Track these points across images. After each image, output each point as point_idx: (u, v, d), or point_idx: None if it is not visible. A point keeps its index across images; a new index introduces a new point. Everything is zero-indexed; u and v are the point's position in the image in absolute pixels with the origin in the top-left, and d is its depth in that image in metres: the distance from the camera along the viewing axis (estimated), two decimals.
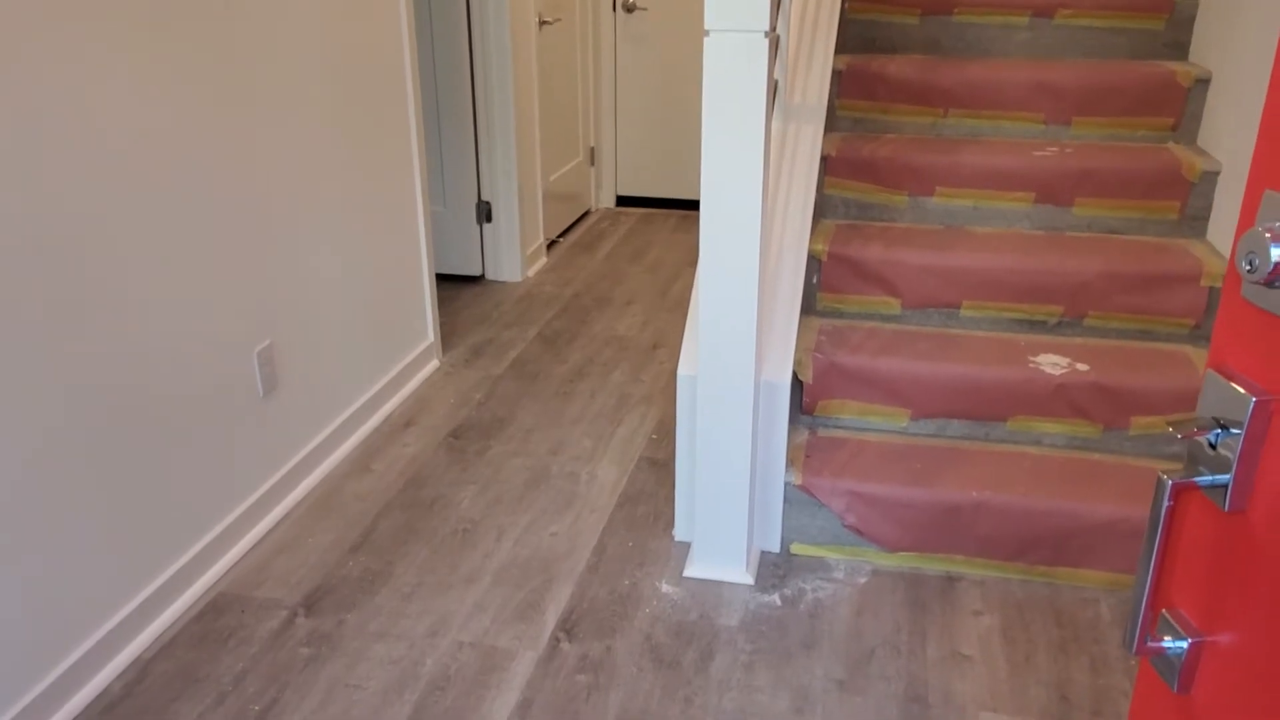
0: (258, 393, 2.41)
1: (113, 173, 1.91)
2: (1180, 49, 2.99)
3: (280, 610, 2.19)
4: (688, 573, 2.32)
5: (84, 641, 1.95)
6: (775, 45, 2.14)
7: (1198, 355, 2.45)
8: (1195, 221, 2.69)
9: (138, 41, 1.94)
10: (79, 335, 1.86)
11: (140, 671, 2.01)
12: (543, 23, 4.21)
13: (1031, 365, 2.41)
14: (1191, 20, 2.95)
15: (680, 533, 2.46)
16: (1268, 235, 0.71)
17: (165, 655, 2.05)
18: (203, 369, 2.21)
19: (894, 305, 2.65)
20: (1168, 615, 0.86)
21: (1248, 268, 0.73)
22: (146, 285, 2.02)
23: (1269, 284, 0.73)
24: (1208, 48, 2.84)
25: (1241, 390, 0.76)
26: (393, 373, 3.10)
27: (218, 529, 2.30)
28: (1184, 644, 0.84)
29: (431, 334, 3.35)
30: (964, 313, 2.62)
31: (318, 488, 2.66)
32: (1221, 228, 2.62)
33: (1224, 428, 0.77)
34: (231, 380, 2.32)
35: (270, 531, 2.47)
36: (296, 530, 2.48)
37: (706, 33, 1.91)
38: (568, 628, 2.14)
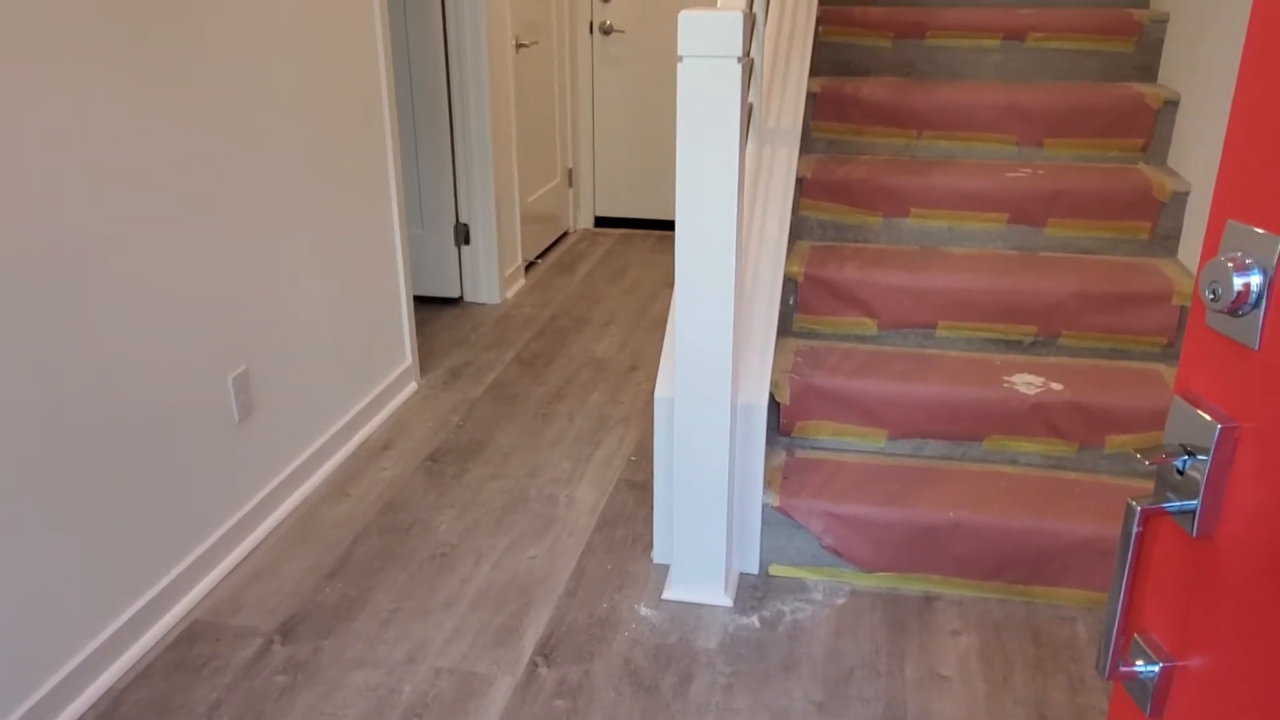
0: (233, 418, 2.39)
1: (85, 196, 1.90)
2: (1149, 71, 3.03)
3: (256, 638, 2.16)
4: (666, 595, 2.31)
5: (56, 672, 1.92)
6: (749, 69, 2.16)
7: (1170, 373, 2.48)
8: (1166, 241, 2.73)
9: (116, 63, 1.93)
10: (52, 358, 1.84)
11: (113, 702, 1.98)
12: (520, 45, 4.23)
13: (1007, 385, 2.43)
14: (1160, 43, 3.00)
15: (659, 555, 2.45)
16: (1230, 264, 0.72)
17: (139, 685, 2.03)
18: (177, 395, 2.20)
19: (870, 326, 2.67)
20: (1139, 640, 0.86)
21: (1211, 297, 0.74)
22: (119, 310, 2.01)
23: (1232, 312, 0.74)
24: (1176, 70, 2.88)
25: (1207, 417, 0.76)
26: (370, 396, 3.08)
27: (192, 556, 2.28)
28: (1155, 668, 0.84)
29: (409, 357, 3.34)
30: (940, 333, 2.64)
31: (294, 513, 2.64)
32: (1192, 247, 2.65)
33: (1191, 454, 0.78)
34: (206, 406, 2.30)
35: (246, 558, 2.45)
36: (272, 556, 2.46)
37: (680, 58, 1.92)
38: (546, 652, 2.13)
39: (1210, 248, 0.77)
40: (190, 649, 2.13)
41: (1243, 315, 0.73)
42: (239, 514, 2.44)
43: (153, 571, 2.16)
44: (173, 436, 2.19)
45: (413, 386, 3.37)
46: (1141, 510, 0.81)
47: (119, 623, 2.06)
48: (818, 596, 2.31)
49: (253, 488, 2.50)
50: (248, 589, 2.33)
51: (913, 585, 2.34)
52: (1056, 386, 2.42)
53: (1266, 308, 0.71)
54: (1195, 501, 0.78)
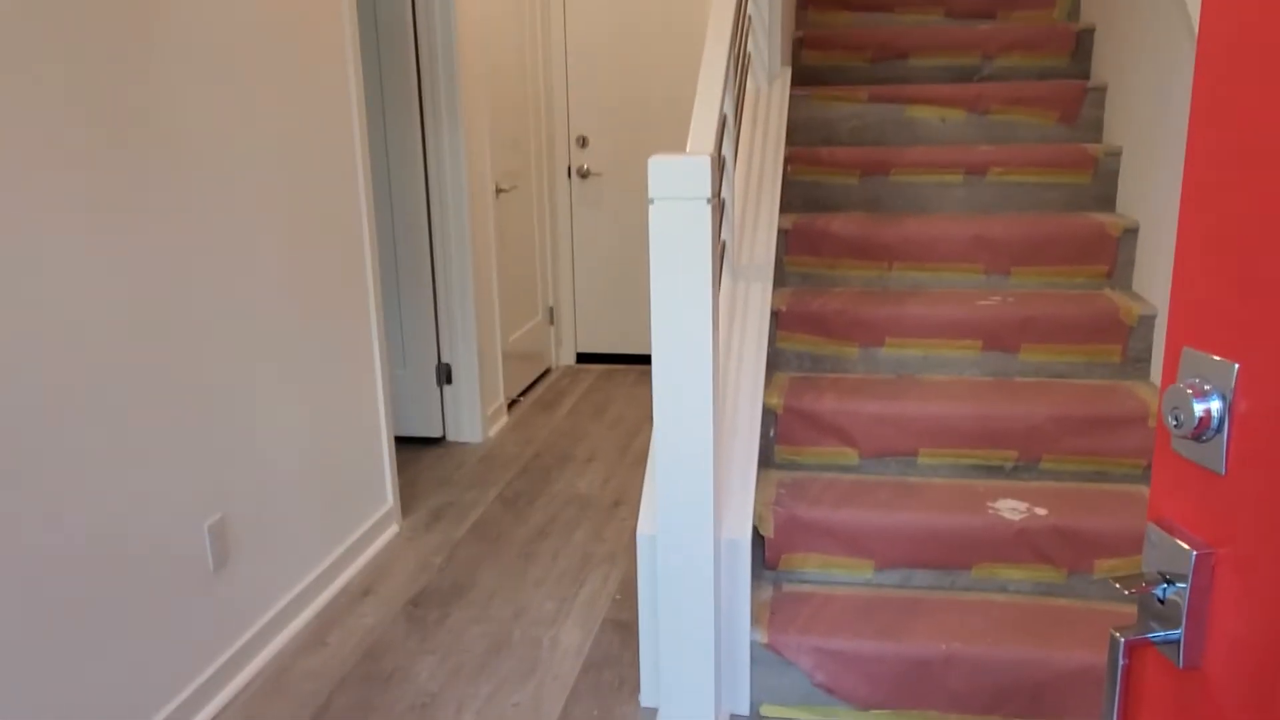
0: (208, 567, 2.34)
1: (58, 340, 1.90)
2: (1108, 201, 3.14)
3: None
4: None
5: None
6: (720, 209, 2.22)
7: None
8: (1138, 363, 2.76)
9: (89, 203, 1.97)
10: (18, 506, 1.81)
11: None
12: (500, 191, 4.35)
13: (991, 511, 2.42)
14: (1115, 174, 3.11)
15: (646, 698, 2.38)
16: (1189, 391, 0.74)
17: None
18: (149, 544, 2.15)
19: (851, 456, 2.67)
20: None
21: (1174, 423, 0.75)
22: (90, 457, 1.99)
23: (1196, 438, 0.75)
24: (1132, 200, 2.98)
25: (1183, 544, 0.76)
26: (350, 540, 3.03)
27: (161, 715, 2.19)
28: None
29: (391, 498, 3.30)
30: (921, 460, 2.64)
31: (269, 666, 2.56)
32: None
33: (1170, 581, 0.77)
34: (180, 555, 2.25)
35: (219, 715, 2.35)
36: (247, 713, 2.36)
37: (651, 201, 1.98)
38: None
39: (1169, 374, 0.78)
40: None
41: (1206, 440, 0.74)
42: (212, 668, 2.36)
43: None
44: (141, 587, 2.14)
45: (394, 529, 3.32)
46: (1126, 641, 0.79)
47: None
48: None
49: (227, 640, 2.43)
50: None
51: None
52: (1040, 511, 2.40)
53: (1229, 432, 0.72)
54: (1178, 631, 0.77)
